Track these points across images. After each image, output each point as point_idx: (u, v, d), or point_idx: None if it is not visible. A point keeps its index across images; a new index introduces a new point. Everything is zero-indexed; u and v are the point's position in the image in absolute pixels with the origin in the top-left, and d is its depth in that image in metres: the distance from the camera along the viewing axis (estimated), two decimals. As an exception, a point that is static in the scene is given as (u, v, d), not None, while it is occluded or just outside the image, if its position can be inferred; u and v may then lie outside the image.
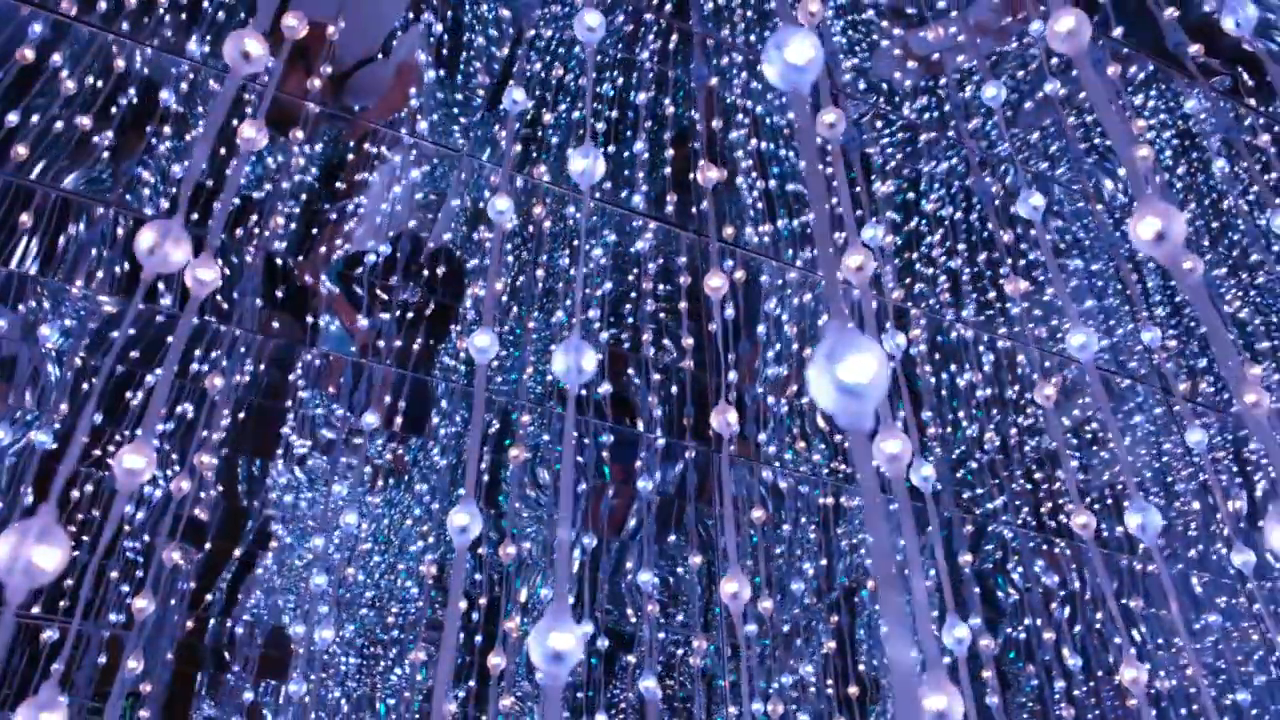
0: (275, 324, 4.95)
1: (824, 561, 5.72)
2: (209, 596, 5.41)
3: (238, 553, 5.46)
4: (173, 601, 4.80)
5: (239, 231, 4.68)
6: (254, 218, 4.80)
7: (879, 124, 5.20)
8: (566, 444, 1.64)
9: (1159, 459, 6.03)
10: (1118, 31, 4.07)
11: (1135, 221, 1.20)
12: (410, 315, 4.61)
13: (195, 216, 4.24)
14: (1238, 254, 5.07)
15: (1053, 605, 6.12)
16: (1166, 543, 6.31)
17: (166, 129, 4.37)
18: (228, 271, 4.59)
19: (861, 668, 5.85)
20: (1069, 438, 6.10)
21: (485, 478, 5.00)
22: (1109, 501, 6.26)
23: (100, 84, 4.08)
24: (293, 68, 4.76)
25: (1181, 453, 5.82)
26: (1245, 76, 4.10)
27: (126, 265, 4.49)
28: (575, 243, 4.82)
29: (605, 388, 4.76)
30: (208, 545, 5.20)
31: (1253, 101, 4.04)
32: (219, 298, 4.58)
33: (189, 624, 5.06)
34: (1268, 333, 5.36)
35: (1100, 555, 5.28)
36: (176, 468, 4.70)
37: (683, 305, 4.19)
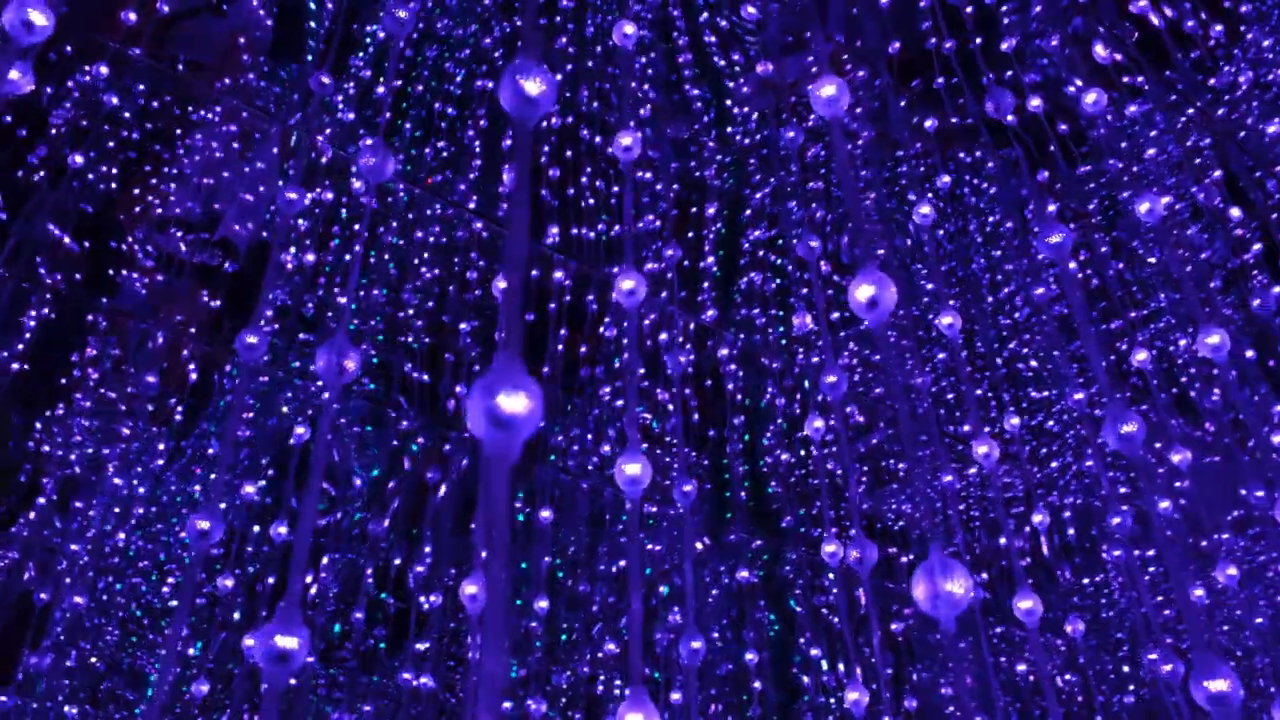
0: (69, 273, 4.66)
1: (617, 567, 5.82)
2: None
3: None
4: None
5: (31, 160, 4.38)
6: (57, 158, 4.51)
7: (711, 147, 5.34)
8: (319, 442, 1.63)
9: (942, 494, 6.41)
10: (939, 80, 4.29)
11: (852, 288, 1.30)
12: (210, 280, 4.42)
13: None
14: (1017, 312, 5.48)
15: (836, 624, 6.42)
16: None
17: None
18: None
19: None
20: (863, 467, 6.43)
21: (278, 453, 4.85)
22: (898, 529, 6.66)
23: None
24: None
25: (960, 489, 6.23)
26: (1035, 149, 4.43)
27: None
28: (384, 226, 4.74)
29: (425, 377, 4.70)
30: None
31: (1046, 174, 4.38)
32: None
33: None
34: (1039, 384, 5.82)
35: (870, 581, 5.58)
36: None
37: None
